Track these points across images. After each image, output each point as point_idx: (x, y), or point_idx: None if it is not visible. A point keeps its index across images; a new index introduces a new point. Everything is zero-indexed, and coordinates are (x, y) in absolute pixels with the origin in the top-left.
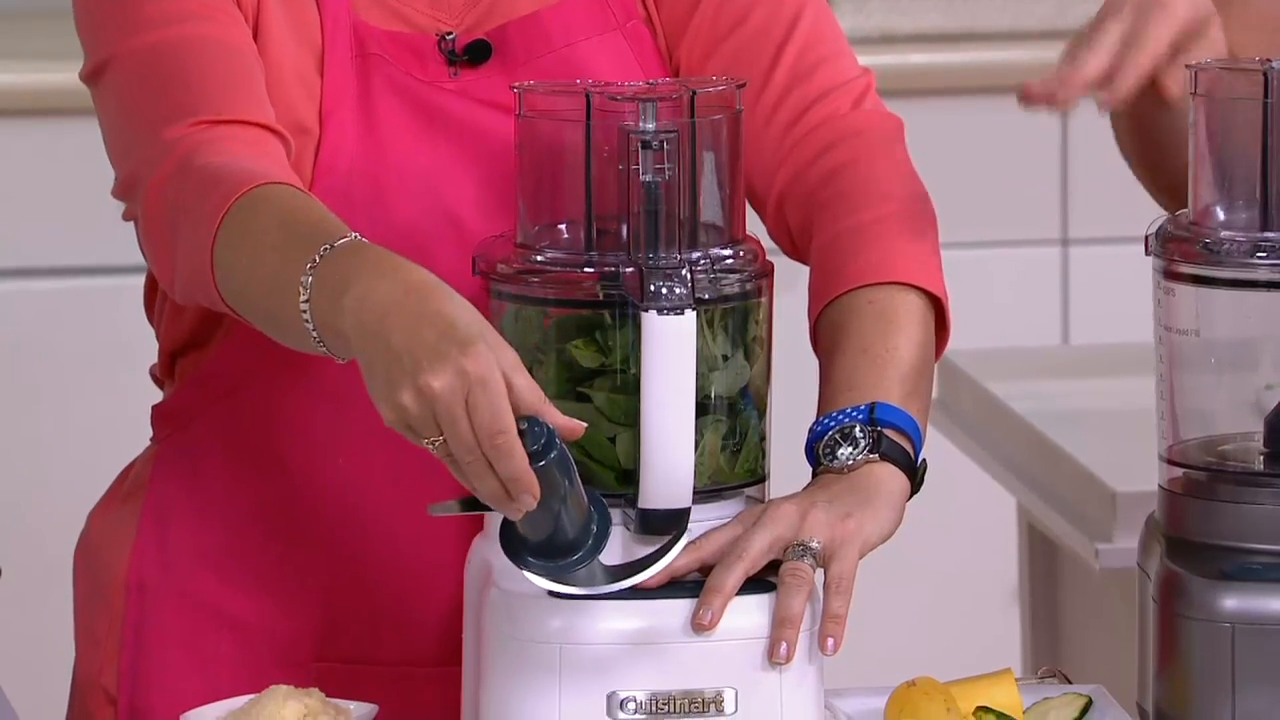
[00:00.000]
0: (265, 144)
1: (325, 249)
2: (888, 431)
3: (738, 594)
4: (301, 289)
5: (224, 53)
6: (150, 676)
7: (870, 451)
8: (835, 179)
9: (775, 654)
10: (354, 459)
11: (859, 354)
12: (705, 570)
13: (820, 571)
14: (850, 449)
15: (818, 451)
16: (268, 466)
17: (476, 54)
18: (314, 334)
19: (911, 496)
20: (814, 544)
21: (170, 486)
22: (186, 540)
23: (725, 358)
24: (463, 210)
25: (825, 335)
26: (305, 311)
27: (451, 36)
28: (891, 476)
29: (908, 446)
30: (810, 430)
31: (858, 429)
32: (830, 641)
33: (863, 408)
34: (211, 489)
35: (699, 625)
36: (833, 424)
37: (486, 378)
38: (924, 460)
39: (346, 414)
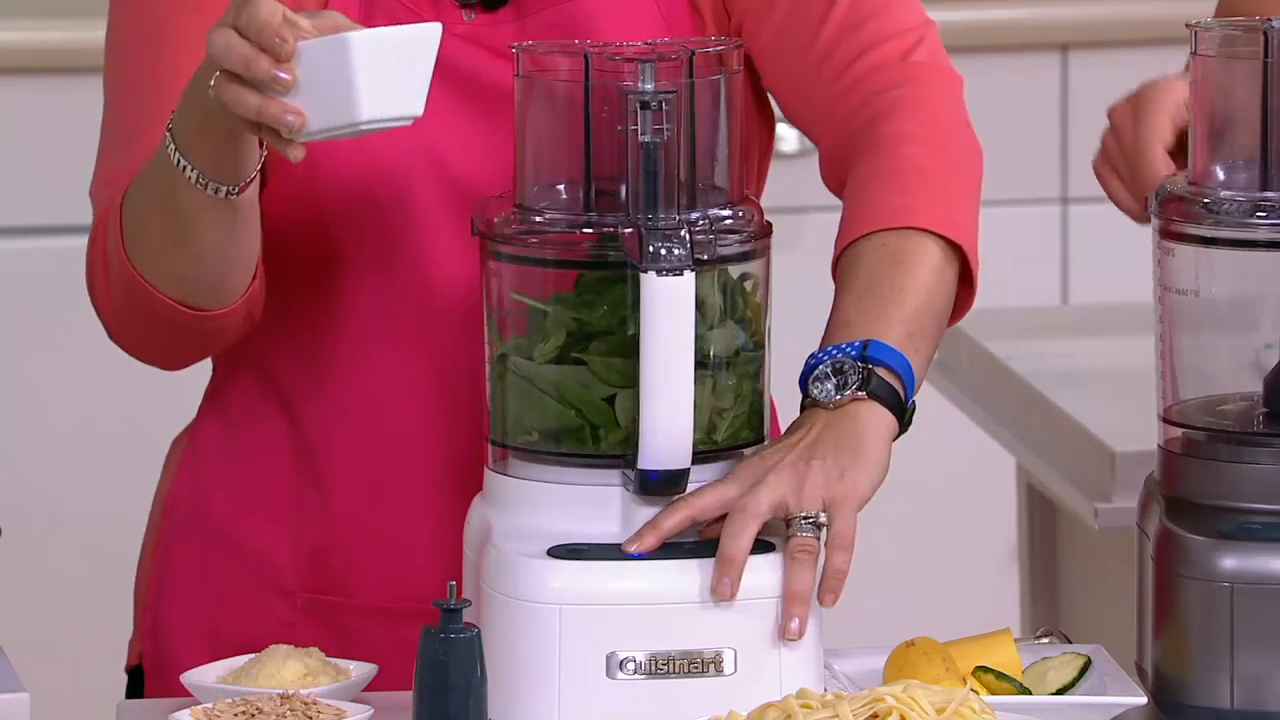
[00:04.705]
0: None
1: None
2: (879, 370)
3: None
4: (168, 152)
5: None
6: (169, 591)
7: (858, 389)
8: (872, 127)
9: (787, 630)
10: (362, 412)
11: (864, 294)
12: (696, 527)
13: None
14: (838, 384)
15: (808, 385)
16: (281, 406)
17: None
18: (180, 162)
19: (899, 435)
20: (821, 517)
21: (209, 414)
22: (211, 467)
23: (724, 318)
24: (447, 152)
25: (839, 276)
26: (173, 155)
27: None
28: (877, 417)
29: (898, 387)
30: (805, 364)
31: (848, 365)
32: (830, 596)
33: (857, 344)
34: (239, 424)
35: (720, 595)
36: (825, 358)
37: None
38: (914, 402)
39: (356, 371)
